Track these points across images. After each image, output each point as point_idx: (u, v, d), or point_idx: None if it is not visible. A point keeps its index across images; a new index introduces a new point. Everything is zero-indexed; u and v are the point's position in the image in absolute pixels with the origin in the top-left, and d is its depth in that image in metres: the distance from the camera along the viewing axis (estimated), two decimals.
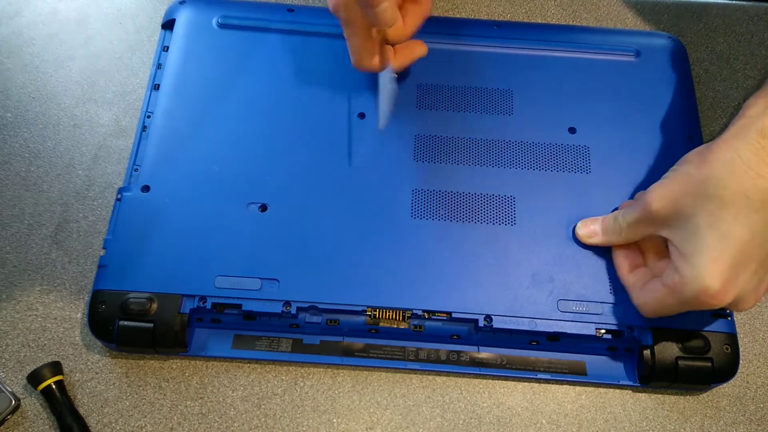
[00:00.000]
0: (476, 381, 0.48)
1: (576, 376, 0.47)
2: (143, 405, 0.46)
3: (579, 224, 0.48)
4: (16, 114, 0.57)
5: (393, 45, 0.48)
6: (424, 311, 0.46)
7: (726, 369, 0.46)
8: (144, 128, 0.52)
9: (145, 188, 0.49)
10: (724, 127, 0.58)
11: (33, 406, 0.46)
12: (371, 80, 0.53)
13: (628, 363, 0.48)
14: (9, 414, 0.45)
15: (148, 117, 0.53)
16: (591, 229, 0.47)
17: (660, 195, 0.41)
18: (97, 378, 0.47)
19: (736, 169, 0.38)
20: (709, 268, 0.38)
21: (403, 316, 0.46)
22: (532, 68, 0.56)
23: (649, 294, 0.43)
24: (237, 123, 0.52)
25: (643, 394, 0.48)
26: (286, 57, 0.55)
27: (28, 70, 0.59)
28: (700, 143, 0.54)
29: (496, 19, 0.63)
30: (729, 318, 0.47)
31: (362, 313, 0.46)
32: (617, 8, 0.65)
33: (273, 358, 0.47)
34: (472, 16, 0.63)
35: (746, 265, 0.38)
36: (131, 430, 0.46)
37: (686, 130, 0.54)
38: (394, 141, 0.52)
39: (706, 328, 0.46)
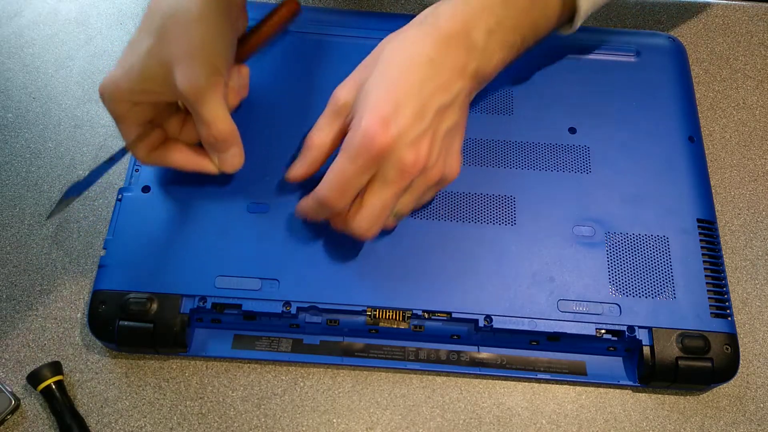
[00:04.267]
0: (476, 381, 0.48)
1: (576, 376, 0.47)
2: (143, 405, 0.46)
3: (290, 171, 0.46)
4: (17, 114, 0.57)
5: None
6: (424, 311, 0.46)
7: (726, 369, 0.46)
8: None
9: (146, 188, 0.49)
10: (724, 127, 0.59)
11: (33, 406, 0.46)
12: None
13: (628, 363, 0.48)
14: (9, 414, 0.45)
15: None
16: (296, 168, 0.46)
17: (343, 86, 0.44)
18: (97, 378, 0.47)
19: (400, 40, 0.43)
20: (369, 110, 0.41)
21: (403, 316, 0.46)
22: (532, 68, 0.56)
23: (330, 171, 0.42)
24: (237, 123, 0.52)
25: (643, 394, 0.48)
26: (287, 57, 0.55)
27: (29, 70, 0.59)
28: (701, 143, 0.54)
29: None
30: (729, 318, 0.47)
31: (362, 313, 0.46)
32: (617, 8, 0.65)
33: (273, 358, 0.47)
34: None
35: (404, 109, 0.41)
36: (131, 430, 0.46)
37: (686, 130, 0.54)
38: None
39: (706, 328, 0.46)
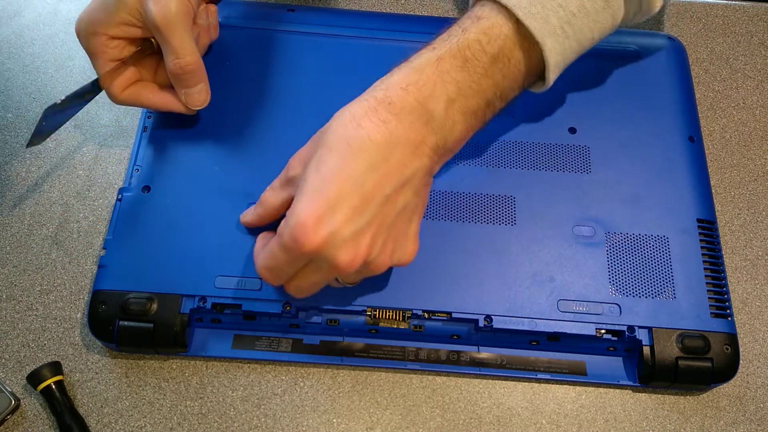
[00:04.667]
0: (476, 381, 0.48)
1: (576, 376, 0.47)
2: (143, 405, 0.46)
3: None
4: (17, 114, 0.57)
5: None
6: (424, 311, 0.46)
7: (726, 369, 0.46)
8: (144, 128, 0.52)
9: (146, 188, 0.49)
10: (724, 127, 0.59)
11: (33, 406, 0.46)
12: (372, 79, 0.53)
13: (628, 363, 0.48)
14: (9, 414, 0.45)
15: (149, 117, 0.53)
16: (247, 216, 0.47)
17: (295, 157, 0.42)
18: (97, 378, 0.47)
19: (344, 120, 0.39)
20: (303, 202, 0.37)
21: (403, 316, 0.46)
22: None
23: (265, 251, 0.41)
24: (237, 123, 0.52)
25: (643, 394, 0.48)
26: (287, 57, 0.55)
27: (29, 70, 0.59)
28: (701, 143, 0.54)
29: None
30: (729, 318, 0.47)
31: (362, 313, 0.46)
32: None
33: (273, 358, 0.47)
34: None
35: (341, 205, 0.37)
36: (131, 430, 0.46)
37: (686, 130, 0.54)
38: None
39: (706, 328, 0.46)
